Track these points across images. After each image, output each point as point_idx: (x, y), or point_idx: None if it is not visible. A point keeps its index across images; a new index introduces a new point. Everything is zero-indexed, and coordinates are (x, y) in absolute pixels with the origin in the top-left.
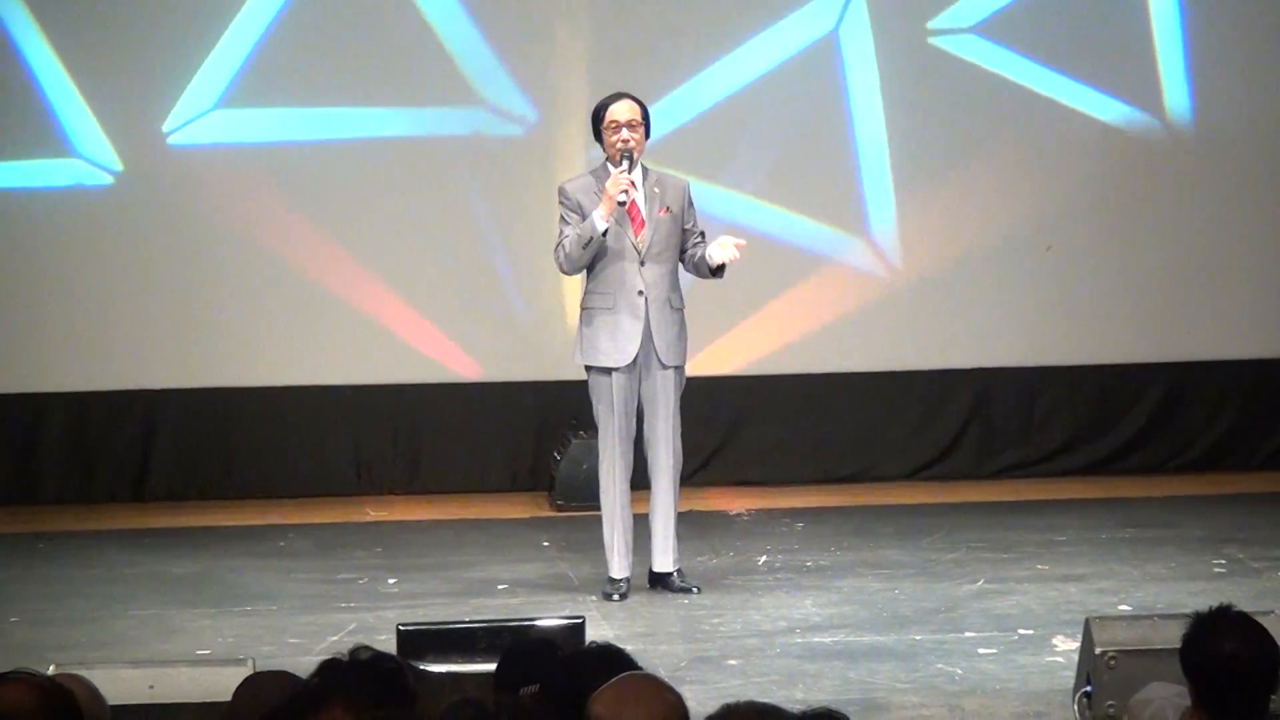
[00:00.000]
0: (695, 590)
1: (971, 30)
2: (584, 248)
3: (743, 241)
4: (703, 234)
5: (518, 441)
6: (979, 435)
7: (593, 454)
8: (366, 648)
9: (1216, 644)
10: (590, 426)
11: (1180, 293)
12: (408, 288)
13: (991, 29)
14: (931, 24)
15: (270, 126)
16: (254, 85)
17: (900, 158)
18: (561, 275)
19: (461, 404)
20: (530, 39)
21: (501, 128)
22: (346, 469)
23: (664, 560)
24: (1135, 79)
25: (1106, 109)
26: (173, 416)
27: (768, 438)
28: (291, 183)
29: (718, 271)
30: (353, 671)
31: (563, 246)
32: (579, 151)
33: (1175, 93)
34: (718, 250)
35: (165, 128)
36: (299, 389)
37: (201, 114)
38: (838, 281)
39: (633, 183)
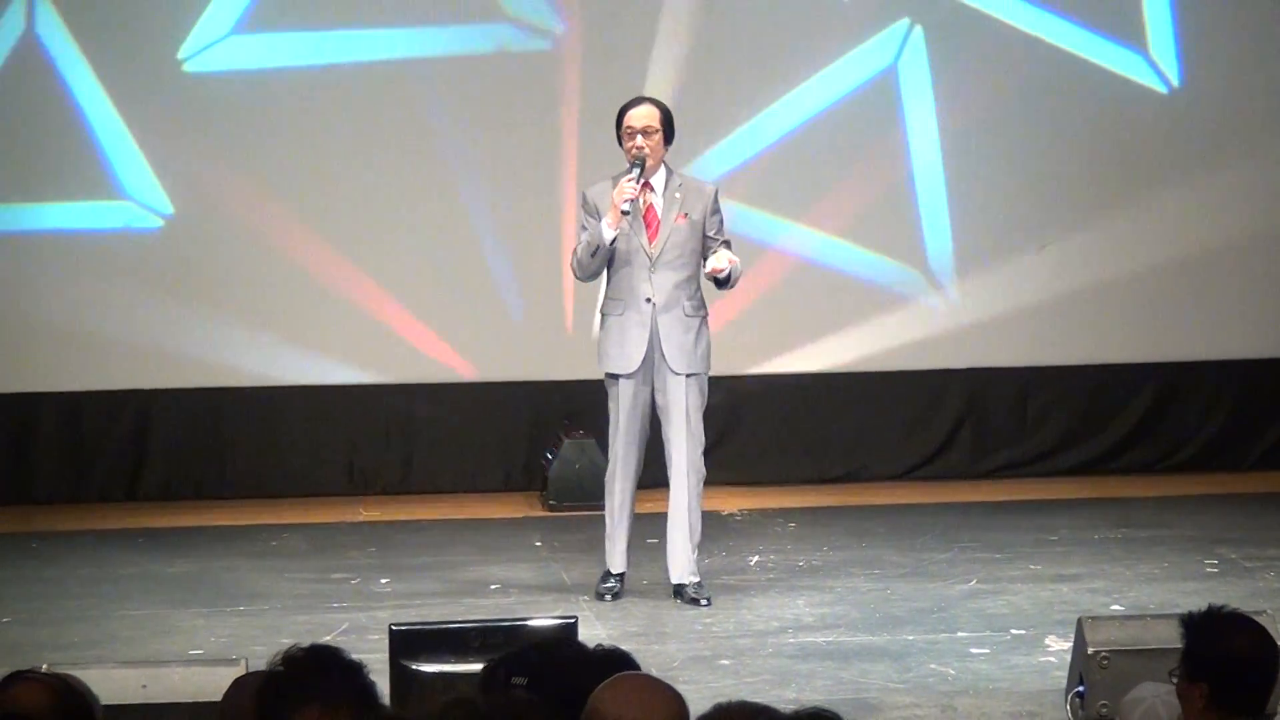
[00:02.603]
0: (704, 603)
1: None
2: (593, 255)
3: (734, 258)
4: (726, 243)
5: (511, 441)
6: (972, 435)
7: (585, 454)
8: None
9: (1228, 641)
10: (583, 426)
11: (1173, 293)
12: (401, 287)
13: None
14: None
15: (283, 51)
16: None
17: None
18: (557, 274)
19: (454, 404)
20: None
21: (529, 42)
22: (340, 469)
23: (679, 571)
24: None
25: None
26: (166, 416)
27: (760, 438)
28: (282, 167)
29: (722, 283)
30: (322, 669)
31: (575, 254)
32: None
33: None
34: (712, 258)
35: (180, 54)
36: (292, 389)
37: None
38: (830, 282)
39: (649, 186)
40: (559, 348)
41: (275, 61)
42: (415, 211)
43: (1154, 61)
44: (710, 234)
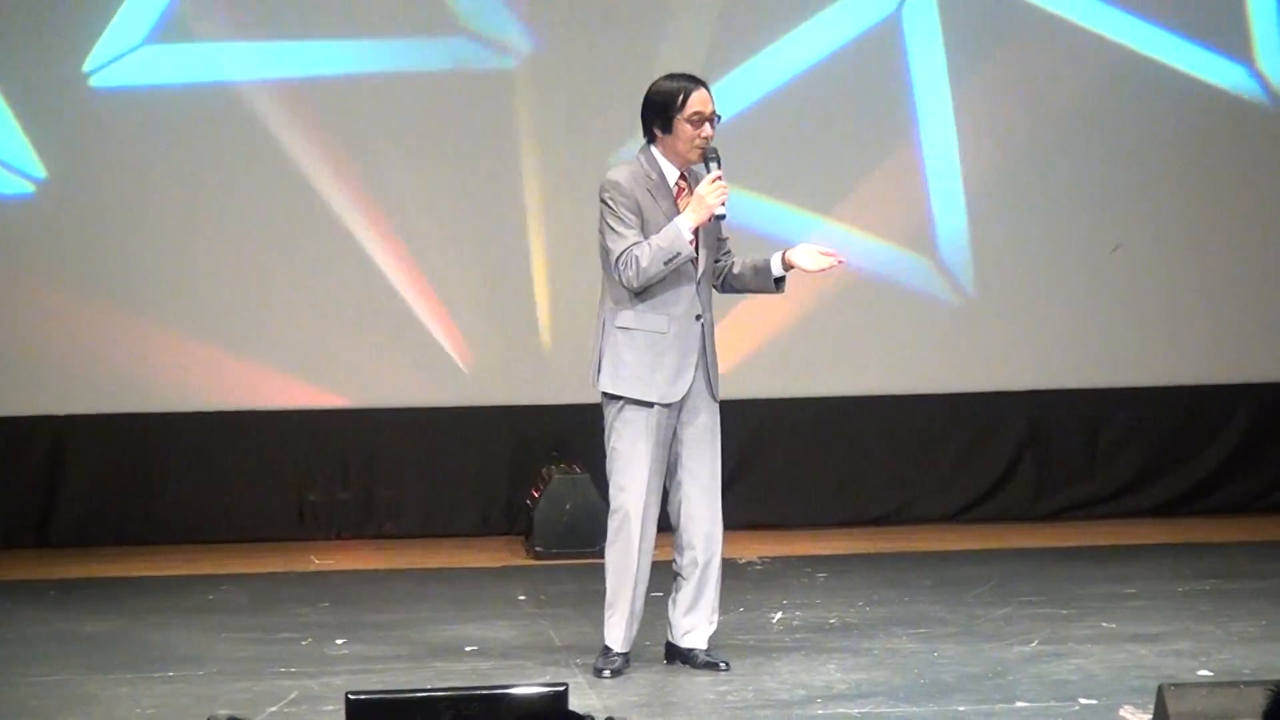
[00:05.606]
0: (723, 666)
1: None
2: (666, 263)
3: (841, 258)
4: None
5: (489, 476)
6: (1033, 469)
7: (577, 491)
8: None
9: None
10: (576, 458)
11: (1270, 302)
12: (358, 296)
13: None
14: None
15: (208, 64)
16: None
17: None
18: (535, 283)
19: (423, 432)
20: None
21: (488, 61)
22: (288, 509)
23: (702, 636)
24: (1224, 41)
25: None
26: (83, 446)
27: (783, 472)
28: (230, 139)
29: (780, 282)
30: None
31: (637, 260)
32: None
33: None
34: (807, 258)
35: (86, 67)
36: (232, 414)
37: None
38: (866, 288)
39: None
40: (545, 366)
41: (225, 74)
42: (369, 210)
43: (1259, 73)
44: (721, 236)
